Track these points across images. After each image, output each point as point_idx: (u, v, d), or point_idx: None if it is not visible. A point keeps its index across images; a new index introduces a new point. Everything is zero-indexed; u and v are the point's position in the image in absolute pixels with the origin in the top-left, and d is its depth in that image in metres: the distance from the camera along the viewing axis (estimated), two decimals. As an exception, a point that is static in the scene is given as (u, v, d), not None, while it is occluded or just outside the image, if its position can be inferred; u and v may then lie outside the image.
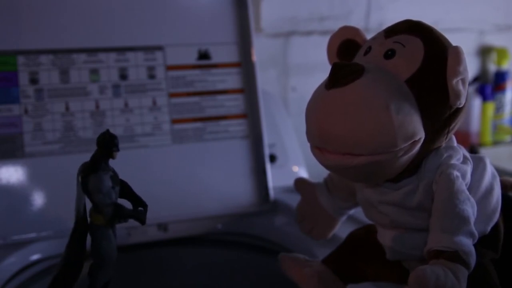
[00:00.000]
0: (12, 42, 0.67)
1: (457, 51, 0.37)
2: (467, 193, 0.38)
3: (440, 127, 0.39)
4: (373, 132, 0.36)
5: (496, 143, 1.34)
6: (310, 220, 0.54)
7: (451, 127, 0.39)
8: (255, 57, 0.76)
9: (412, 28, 0.40)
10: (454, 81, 0.36)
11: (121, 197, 0.42)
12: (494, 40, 1.31)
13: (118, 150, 0.41)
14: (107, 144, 0.40)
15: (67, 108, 0.68)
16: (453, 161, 0.39)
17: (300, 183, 0.56)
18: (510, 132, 1.36)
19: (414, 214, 0.40)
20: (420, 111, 0.37)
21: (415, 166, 0.39)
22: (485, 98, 1.31)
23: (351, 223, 0.56)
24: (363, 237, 0.47)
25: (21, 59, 0.67)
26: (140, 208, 0.42)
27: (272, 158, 0.80)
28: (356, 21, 1.10)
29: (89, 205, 0.42)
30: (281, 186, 0.76)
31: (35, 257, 0.62)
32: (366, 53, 0.41)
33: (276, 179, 0.76)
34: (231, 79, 0.76)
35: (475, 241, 0.37)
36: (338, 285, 0.46)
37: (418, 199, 0.39)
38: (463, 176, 0.39)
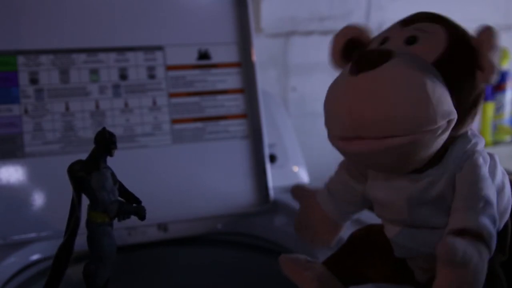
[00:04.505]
0: (12, 42, 0.67)
1: (490, 27, 0.37)
2: (491, 181, 0.38)
3: (468, 109, 0.39)
4: (412, 110, 0.35)
5: (496, 143, 1.34)
6: (311, 228, 0.52)
7: (476, 110, 0.39)
8: (255, 57, 0.76)
9: (430, 17, 0.40)
10: (492, 54, 0.36)
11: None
12: (494, 40, 1.31)
13: (116, 147, 0.41)
14: (106, 142, 0.41)
15: (67, 108, 0.68)
16: (478, 148, 0.39)
17: (297, 190, 0.53)
18: (510, 132, 1.36)
19: (431, 210, 0.39)
20: (449, 92, 0.37)
21: (441, 153, 0.39)
22: (485, 98, 1.30)
23: (352, 223, 0.56)
24: (365, 238, 0.47)
25: (21, 59, 0.67)
26: (142, 205, 0.43)
27: (272, 158, 0.80)
28: (356, 21, 1.10)
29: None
30: (281, 186, 0.76)
31: (35, 257, 0.62)
32: (382, 44, 0.40)
33: (276, 179, 0.76)
34: (231, 79, 0.76)
35: (496, 228, 0.36)
36: (339, 287, 0.46)
37: (439, 188, 0.39)
38: (486, 164, 0.39)
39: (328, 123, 0.39)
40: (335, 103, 0.37)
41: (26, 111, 0.67)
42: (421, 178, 0.39)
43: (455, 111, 0.37)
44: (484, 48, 0.37)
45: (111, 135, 0.41)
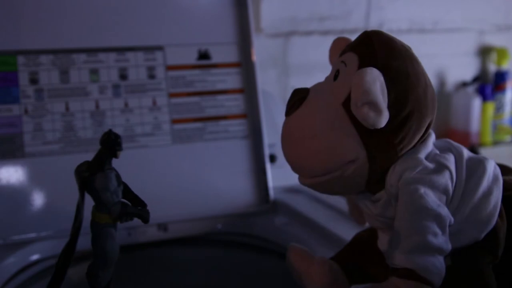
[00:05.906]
0: (12, 42, 0.67)
1: (359, 77, 0.36)
2: (432, 205, 0.37)
3: (386, 142, 0.38)
4: (308, 158, 0.39)
5: (496, 143, 1.34)
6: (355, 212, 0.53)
7: (398, 140, 0.38)
8: (255, 57, 0.76)
9: (357, 44, 0.40)
10: (357, 105, 0.36)
11: (122, 197, 0.43)
12: (494, 40, 1.31)
13: (121, 149, 0.41)
14: (112, 144, 0.41)
15: (67, 108, 0.68)
16: (414, 175, 0.38)
17: None
18: (510, 132, 1.36)
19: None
20: (357, 132, 0.38)
21: (382, 178, 0.39)
22: (485, 98, 1.31)
23: (355, 223, 0.56)
24: (367, 239, 0.47)
25: (21, 59, 0.67)
26: (146, 208, 0.43)
27: (272, 158, 0.80)
28: (356, 21, 1.10)
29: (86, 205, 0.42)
30: (281, 186, 0.76)
31: (35, 257, 0.62)
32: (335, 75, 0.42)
33: (276, 179, 0.76)
34: (231, 79, 0.76)
35: (445, 253, 0.36)
36: (344, 281, 0.46)
37: (393, 211, 0.39)
38: (432, 186, 0.38)
39: None
40: None
41: (26, 111, 0.67)
42: (375, 199, 0.41)
43: (355, 152, 0.38)
44: (351, 99, 0.37)
45: (116, 136, 0.41)
